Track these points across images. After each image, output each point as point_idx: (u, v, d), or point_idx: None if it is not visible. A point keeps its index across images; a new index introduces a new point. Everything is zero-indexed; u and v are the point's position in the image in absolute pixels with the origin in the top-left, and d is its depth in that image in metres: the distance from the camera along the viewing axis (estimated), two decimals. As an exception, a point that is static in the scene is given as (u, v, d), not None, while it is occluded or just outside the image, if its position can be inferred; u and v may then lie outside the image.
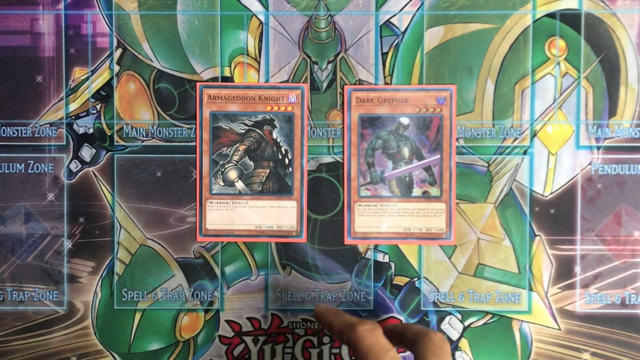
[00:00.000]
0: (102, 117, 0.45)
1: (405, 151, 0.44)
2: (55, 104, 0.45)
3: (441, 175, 0.44)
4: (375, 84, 0.44)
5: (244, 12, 0.44)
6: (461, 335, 0.45)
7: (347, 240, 0.45)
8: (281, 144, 0.44)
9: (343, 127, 0.44)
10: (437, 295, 0.45)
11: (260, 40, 0.44)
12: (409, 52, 0.44)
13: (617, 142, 0.44)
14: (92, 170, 0.45)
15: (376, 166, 0.44)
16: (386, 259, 0.45)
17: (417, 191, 0.44)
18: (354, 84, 0.44)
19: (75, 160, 0.45)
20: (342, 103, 0.44)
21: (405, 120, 0.44)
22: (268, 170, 0.45)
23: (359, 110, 0.44)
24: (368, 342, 0.36)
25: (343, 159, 0.44)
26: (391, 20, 0.44)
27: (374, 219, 0.44)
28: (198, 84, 0.44)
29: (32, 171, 0.45)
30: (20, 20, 0.45)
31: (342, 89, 0.44)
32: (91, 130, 0.45)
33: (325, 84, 0.45)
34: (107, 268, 0.45)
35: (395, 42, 0.44)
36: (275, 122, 0.44)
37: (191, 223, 0.45)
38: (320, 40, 0.44)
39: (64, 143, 0.45)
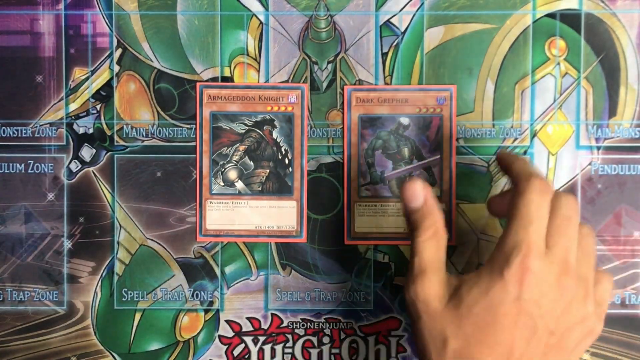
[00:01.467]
0: (102, 117, 0.45)
1: (405, 151, 0.44)
2: (55, 104, 0.45)
3: (441, 176, 0.44)
4: (375, 84, 0.44)
5: (244, 12, 0.44)
6: (461, 336, 0.45)
7: (347, 241, 0.45)
8: (281, 144, 0.44)
9: (343, 127, 0.44)
10: (437, 295, 0.45)
11: (260, 40, 0.44)
12: (409, 52, 0.44)
13: (617, 142, 0.44)
14: (92, 170, 0.45)
15: (376, 166, 0.44)
16: (386, 259, 0.45)
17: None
18: (354, 84, 0.44)
19: (75, 160, 0.45)
20: (342, 103, 0.44)
21: (405, 121, 0.44)
22: (268, 170, 0.45)
23: (359, 111, 0.44)
24: (526, 198, 0.35)
25: (343, 159, 0.44)
26: (391, 20, 0.44)
27: (374, 219, 0.44)
28: (198, 84, 0.44)
29: (32, 171, 0.45)
30: (20, 20, 0.45)
31: (342, 89, 0.44)
32: (91, 130, 0.45)
33: (325, 84, 0.45)
34: (107, 268, 0.45)
35: (395, 42, 0.44)
36: (275, 122, 0.44)
37: (191, 223, 0.45)
38: (320, 40, 0.44)
39: (64, 143, 0.45)
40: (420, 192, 0.37)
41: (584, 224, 0.37)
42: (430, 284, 0.35)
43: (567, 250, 0.35)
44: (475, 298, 0.34)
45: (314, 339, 0.45)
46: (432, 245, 0.36)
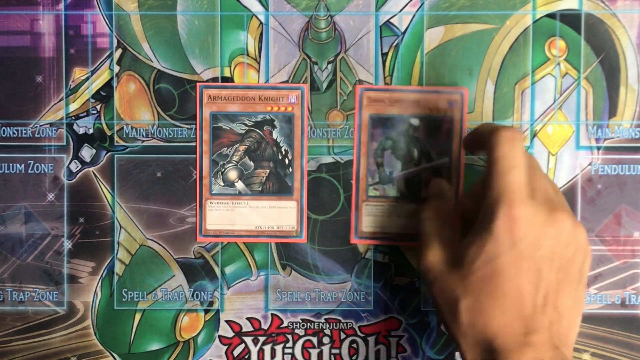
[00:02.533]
0: (102, 118, 0.45)
1: (415, 152, 0.44)
2: (55, 104, 0.45)
3: (450, 178, 0.44)
4: (375, 84, 0.44)
5: (244, 12, 0.44)
6: (461, 336, 0.45)
7: (354, 240, 0.45)
8: (281, 144, 0.44)
9: (354, 127, 0.44)
10: (437, 295, 0.45)
11: (260, 41, 0.44)
12: (409, 53, 0.44)
13: (617, 142, 0.44)
14: (92, 171, 0.45)
15: (385, 166, 0.44)
16: (386, 259, 0.45)
17: (425, 193, 0.44)
18: (354, 85, 0.44)
19: (75, 161, 0.45)
20: (342, 103, 0.44)
21: (415, 122, 0.44)
22: (268, 171, 0.45)
23: (370, 110, 0.44)
24: (501, 148, 0.36)
25: (353, 158, 0.44)
26: (391, 20, 0.44)
27: (381, 219, 0.44)
28: (198, 84, 0.44)
29: (32, 171, 0.45)
30: (20, 20, 0.45)
31: (344, 89, 0.44)
32: (91, 131, 0.45)
33: (325, 84, 0.45)
34: (107, 268, 0.45)
35: (395, 42, 0.44)
36: (275, 123, 0.44)
37: (191, 223, 0.45)
38: (320, 40, 0.44)
39: (64, 143, 0.45)
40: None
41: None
42: (435, 252, 0.38)
43: (548, 190, 0.36)
44: (473, 256, 0.35)
45: (314, 339, 0.45)
46: (431, 222, 0.39)
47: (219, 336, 0.45)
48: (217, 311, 0.45)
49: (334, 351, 0.45)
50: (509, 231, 0.34)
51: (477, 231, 0.35)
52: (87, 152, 0.45)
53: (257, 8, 0.44)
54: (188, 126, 0.45)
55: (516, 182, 0.35)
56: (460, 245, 0.36)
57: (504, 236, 0.34)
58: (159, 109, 0.45)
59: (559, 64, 0.44)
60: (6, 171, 0.45)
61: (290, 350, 0.45)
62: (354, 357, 0.45)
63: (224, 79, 0.44)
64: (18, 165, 0.45)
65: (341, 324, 0.45)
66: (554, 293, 0.35)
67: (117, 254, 0.45)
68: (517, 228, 0.34)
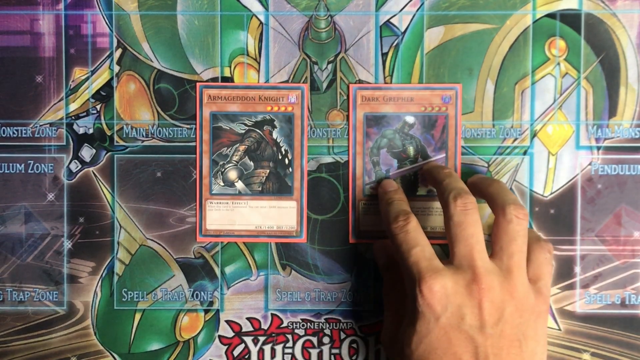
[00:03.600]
0: (102, 117, 0.45)
1: (411, 150, 0.44)
2: (55, 104, 0.45)
3: None
4: (375, 84, 0.44)
5: (244, 12, 0.44)
6: (461, 336, 0.45)
7: (352, 239, 0.45)
8: (281, 144, 0.44)
9: (348, 126, 0.44)
10: (437, 295, 0.45)
11: (260, 41, 0.44)
12: (409, 53, 0.44)
13: (617, 142, 0.44)
14: (92, 171, 0.45)
15: (381, 165, 0.44)
16: (386, 259, 0.45)
17: (422, 190, 0.44)
18: (348, 84, 0.44)
19: (75, 161, 0.45)
20: (343, 102, 0.44)
21: (410, 119, 0.44)
22: (268, 171, 0.45)
23: (364, 109, 0.44)
24: (398, 239, 0.38)
25: (348, 158, 0.44)
26: (391, 20, 0.44)
27: (379, 218, 0.44)
28: (198, 84, 0.44)
29: (32, 171, 0.45)
30: (20, 20, 0.45)
31: (344, 89, 0.44)
32: (91, 131, 0.45)
33: (325, 84, 0.45)
34: (107, 268, 0.45)
35: (395, 42, 0.44)
36: (275, 123, 0.44)
37: (191, 223, 0.45)
38: (320, 40, 0.44)
39: (64, 143, 0.45)
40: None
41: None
42: (388, 332, 0.40)
43: (471, 255, 0.36)
44: (408, 339, 0.36)
45: (314, 339, 0.45)
46: (388, 301, 0.42)
47: (219, 336, 0.45)
48: (217, 311, 0.45)
49: (334, 351, 0.45)
50: (429, 306, 0.34)
51: (409, 313, 0.37)
52: (87, 152, 0.45)
53: (257, 8, 0.44)
54: (188, 126, 0.45)
55: (420, 259, 0.36)
56: (401, 329, 0.38)
57: (428, 312, 0.35)
58: (159, 109, 0.45)
59: (559, 64, 0.44)
60: (6, 171, 0.45)
61: (290, 350, 0.45)
62: (354, 357, 0.45)
63: (224, 79, 0.44)
64: (18, 165, 0.45)
65: (341, 324, 0.45)
66: (494, 356, 0.34)
67: (117, 254, 0.45)
68: (436, 301, 0.34)
